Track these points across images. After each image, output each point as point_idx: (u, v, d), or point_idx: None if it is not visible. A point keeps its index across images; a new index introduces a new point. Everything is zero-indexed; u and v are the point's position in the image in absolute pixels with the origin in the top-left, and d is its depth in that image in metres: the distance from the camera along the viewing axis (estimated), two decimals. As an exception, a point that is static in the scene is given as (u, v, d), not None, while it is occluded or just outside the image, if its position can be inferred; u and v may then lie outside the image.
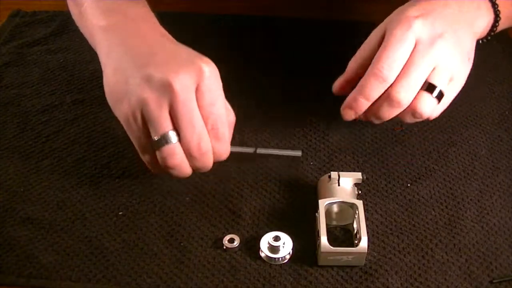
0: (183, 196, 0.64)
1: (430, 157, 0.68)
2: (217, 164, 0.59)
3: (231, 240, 0.59)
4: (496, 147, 0.70)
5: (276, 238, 0.58)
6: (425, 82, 0.60)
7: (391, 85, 0.60)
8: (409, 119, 0.62)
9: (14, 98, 0.76)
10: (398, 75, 0.59)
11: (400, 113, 0.61)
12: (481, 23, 0.66)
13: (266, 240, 0.58)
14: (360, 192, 0.62)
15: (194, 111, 0.55)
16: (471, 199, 0.64)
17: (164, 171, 0.57)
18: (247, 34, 0.88)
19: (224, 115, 0.57)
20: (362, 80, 0.61)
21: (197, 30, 0.87)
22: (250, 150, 0.60)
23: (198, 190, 0.65)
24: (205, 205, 0.63)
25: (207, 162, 0.58)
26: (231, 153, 0.59)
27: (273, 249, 0.58)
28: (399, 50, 0.59)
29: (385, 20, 0.63)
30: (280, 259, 0.57)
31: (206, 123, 0.56)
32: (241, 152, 0.60)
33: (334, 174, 0.61)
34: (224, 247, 0.59)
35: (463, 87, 0.64)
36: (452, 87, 0.63)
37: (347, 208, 0.59)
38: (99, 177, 0.66)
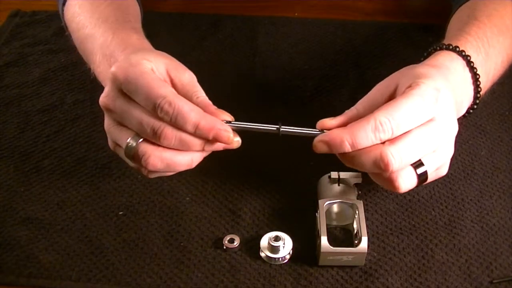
0: (183, 196, 0.64)
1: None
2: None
3: (231, 240, 0.59)
4: (496, 147, 0.70)
5: (276, 238, 0.58)
6: (417, 161, 0.53)
7: (386, 142, 0.52)
8: (380, 183, 0.55)
9: (14, 98, 0.77)
10: (398, 136, 0.52)
11: (374, 176, 0.55)
12: (465, 104, 0.62)
13: (266, 240, 0.58)
14: (360, 192, 0.62)
15: (129, 110, 0.54)
16: (471, 199, 0.64)
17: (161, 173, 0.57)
18: (248, 34, 0.88)
19: (155, 94, 0.53)
20: (355, 122, 0.53)
21: (197, 31, 0.87)
22: (273, 128, 0.56)
23: (198, 190, 0.65)
24: (205, 205, 0.63)
25: (181, 141, 0.54)
26: (254, 130, 0.56)
27: (273, 249, 0.58)
28: (417, 108, 0.51)
29: (394, 75, 0.56)
30: (280, 259, 0.57)
31: (154, 110, 0.53)
32: (263, 129, 0.56)
33: (334, 174, 0.61)
34: (224, 247, 0.59)
35: None
36: (434, 175, 0.56)
37: (347, 208, 0.60)
38: (99, 177, 0.66)
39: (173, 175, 0.65)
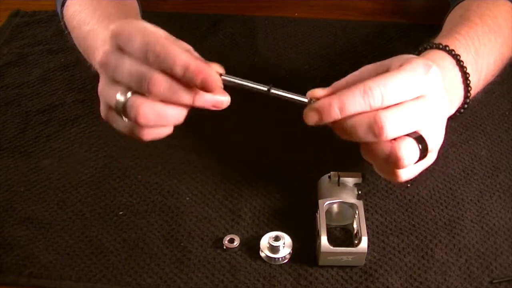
0: (183, 196, 0.64)
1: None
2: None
3: (231, 240, 0.59)
4: (496, 147, 0.70)
5: (276, 238, 0.58)
6: (415, 132, 0.52)
7: (379, 109, 0.51)
8: (380, 162, 0.54)
9: (14, 98, 0.77)
10: (391, 105, 0.51)
11: (374, 149, 0.53)
12: (456, 102, 0.62)
13: (266, 240, 0.58)
14: (360, 192, 0.62)
15: (122, 62, 0.53)
16: (471, 199, 0.64)
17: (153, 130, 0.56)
18: (248, 34, 0.88)
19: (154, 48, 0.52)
20: (345, 89, 0.52)
21: (197, 31, 0.87)
22: (263, 88, 0.55)
23: (198, 190, 0.65)
24: (205, 205, 0.63)
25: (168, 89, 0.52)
26: (244, 87, 0.55)
27: (273, 249, 0.58)
28: (408, 80, 0.51)
29: (386, 60, 0.56)
30: (280, 259, 0.57)
31: (146, 57, 0.52)
32: (255, 87, 0.55)
33: (334, 174, 0.61)
34: (224, 247, 0.59)
35: None
36: (428, 158, 0.55)
37: (347, 208, 0.60)
38: (99, 177, 0.66)
39: (173, 175, 0.66)
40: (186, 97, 0.53)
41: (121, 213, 0.62)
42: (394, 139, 0.52)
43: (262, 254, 0.58)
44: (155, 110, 0.53)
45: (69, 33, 0.73)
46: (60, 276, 0.56)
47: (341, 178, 0.61)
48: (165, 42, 0.52)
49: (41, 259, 0.58)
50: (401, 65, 0.53)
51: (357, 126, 0.51)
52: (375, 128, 0.50)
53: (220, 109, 0.55)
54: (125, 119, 0.54)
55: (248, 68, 0.81)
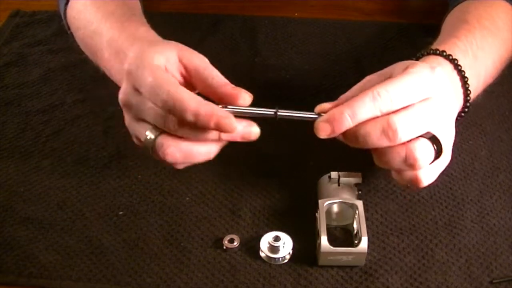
0: (183, 196, 0.64)
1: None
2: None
3: (231, 240, 0.59)
4: (496, 147, 0.70)
5: (276, 238, 0.58)
6: (427, 133, 0.52)
7: (389, 113, 0.51)
8: (397, 167, 0.53)
9: (14, 98, 0.76)
10: (400, 109, 0.52)
11: (389, 154, 0.52)
12: (456, 106, 0.60)
13: (266, 240, 0.58)
14: (360, 192, 0.62)
15: (144, 104, 0.54)
16: (471, 199, 0.64)
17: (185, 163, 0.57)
18: (248, 34, 0.88)
19: (162, 89, 0.53)
20: (354, 98, 0.52)
21: (197, 31, 0.87)
22: (270, 112, 0.55)
23: (198, 190, 0.65)
24: (205, 205, 0.63)
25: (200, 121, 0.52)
26: (251, 115, 0.55)
27: (273, 249, 0.58)
28: (414, 83, 0.52)
29: (388, 67, 0.56)
30: (280, 259, 0.57)
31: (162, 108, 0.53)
32: (261, 113, 0.55)
33: (334, 174, 0.61)
34: (224, 247, 0.59)
35: None
36: (443, 158, 0.55)
37: (347, 208, 0.60)
38: (99, 177, 0.66)
39: (173, 175, 0.66)
40: (211, 134, 0.54)
41: (121, 213, 0.62)
42: (408, 141, 0.52)
43: (262, 254, 0.58)
44: (182, 150, 0.54)
45: (71, 33, 0.72)
46: (60, 276, 0.56)
47: (341, 178, 0.61)
48: (173, 89, 0.52)
49: (41, 259, 0.58)
50: (405, 70, 0.53)
51: (370, 133, 0.51)
52: (389, 132, 0.51)
53: (251, 140, 0.55)
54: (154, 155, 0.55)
55: (248, 68, 0.81)
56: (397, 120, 0.51)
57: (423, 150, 0.52)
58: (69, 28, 0.73)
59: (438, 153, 0.53)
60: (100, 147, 0.69)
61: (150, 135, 0.54)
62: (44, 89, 0.78)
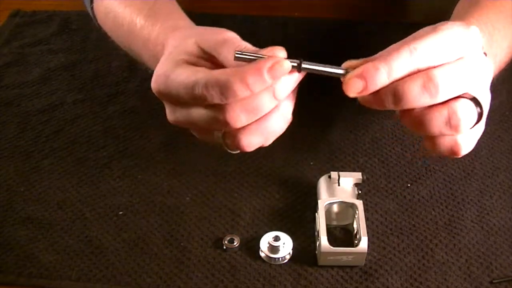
0: (183, 196, 0.64)
1: (430, 157, 0.68)
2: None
3: (231, 240, 0.59)
4: (496, 147, 0.70)
5: (276, 238, 0.58)
6: (467, 94, 0.48)
7: (430, 67, 0.47)
8: (438, 128, 0.48)
9: (14, 98, 0.77)
10: (440, 65, 0.47)
11: (430, 114, 0.48)
12: (492, 69, 0.56)
13: (266, 240, 0.58)
14: (360, 192, 0.62)
15: (191, 116, 0.50)
16: (471, 199, 0.64)
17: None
18: (248, 34, 0.88)
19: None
20: (388, 48, 0.48)
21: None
22: (294, 63, 0.49)
23: (198, 190, 0.65)
24: (205, 205, 0.63)
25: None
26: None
27: (273, 249, 0.58)
28: (448, 39, 0.47)
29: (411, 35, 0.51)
30: (280, 259, 0.57)
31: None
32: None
33: (334, 174, 0.61)
34: (224, 247, 0.59)
35: None
36: (481, 123, 0.51)
37: (347, 208, 0.59)
38: (99, 177, 0.66)
39: (173, 175, 0.66)
40: (267, 98, 0.48)
41: (121, 213, 0.62)
42: (449, 101, 0.47)
43: (262, 254, 0.58)
44: (257, 134, 0.49)
45: (105, 33, 0.70)
46: (60, 276, 0.56)
47: (341, 178, 0.61)
48: (205, 78, 0.47)
49: (41, 259, 0.58)
50: (434, 28, 0.49)
51: (409, 88, 0.46)
52: (430, 86, 0.46)
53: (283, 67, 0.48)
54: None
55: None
56: (438, 74, 0.46)
57: (466, 111, 0.47)
58: (101, 28, 0.71)
59: (480, 116, 0.49)
60: (100, 147, 0.69)
61: (217, 138, 0.51)
62: (44, 89, 0.78)
